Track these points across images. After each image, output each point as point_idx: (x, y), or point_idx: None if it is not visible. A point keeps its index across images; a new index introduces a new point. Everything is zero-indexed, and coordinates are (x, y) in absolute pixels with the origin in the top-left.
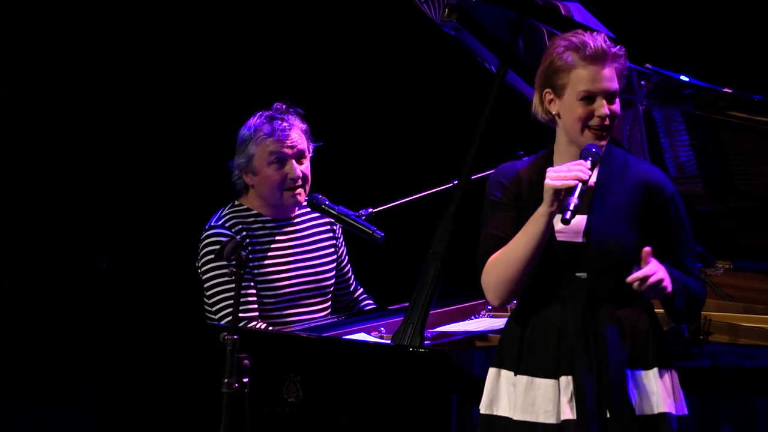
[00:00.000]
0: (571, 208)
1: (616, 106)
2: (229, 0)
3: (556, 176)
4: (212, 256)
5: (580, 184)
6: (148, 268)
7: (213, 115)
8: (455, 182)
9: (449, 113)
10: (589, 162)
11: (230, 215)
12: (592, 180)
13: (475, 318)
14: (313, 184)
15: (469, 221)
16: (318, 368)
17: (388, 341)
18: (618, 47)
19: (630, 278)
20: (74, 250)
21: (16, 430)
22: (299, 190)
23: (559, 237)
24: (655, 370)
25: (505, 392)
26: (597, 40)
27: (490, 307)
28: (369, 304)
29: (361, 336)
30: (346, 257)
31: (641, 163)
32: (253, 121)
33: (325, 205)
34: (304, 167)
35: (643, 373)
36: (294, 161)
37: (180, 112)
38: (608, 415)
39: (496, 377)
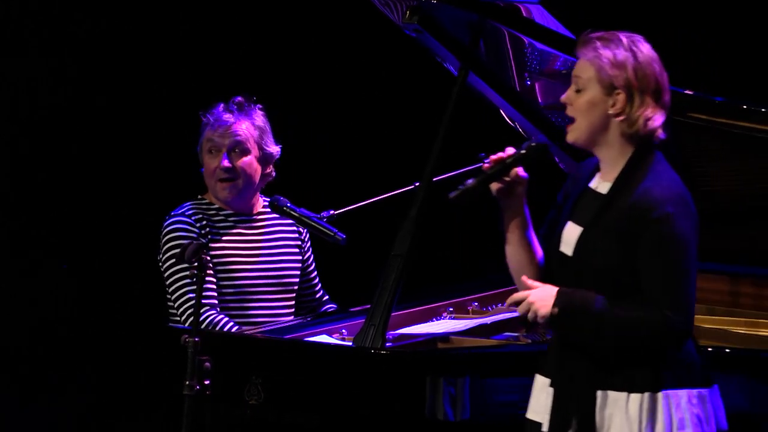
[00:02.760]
0: (459, 187)
1: (579, 99)
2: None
3: None
4: (175, 251)
5: (492, 170)
6: (110, 270)
7: (180, 114)
8: (417, 184)
9: (411, 115)
10: (513, 150)
11: (191, 206)
12: (603, 189)
13: (437, 320)
14: (275, 185)
15: (430, 223)
16: (279, 370)
17: (350, 343)
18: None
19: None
20: (34, 251)
21: None
22: (226, 184)
23: (561, 247)
24: (626, 393)
25: None
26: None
27: (451, 309)
28: (332, 308)
29: (323, 338)
30: (313, 262)
31: (656, 178)
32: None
33: (287, 207)
34: (242, 161)
35: (613, 394)
36: (227, 153)
37: (146, 110)
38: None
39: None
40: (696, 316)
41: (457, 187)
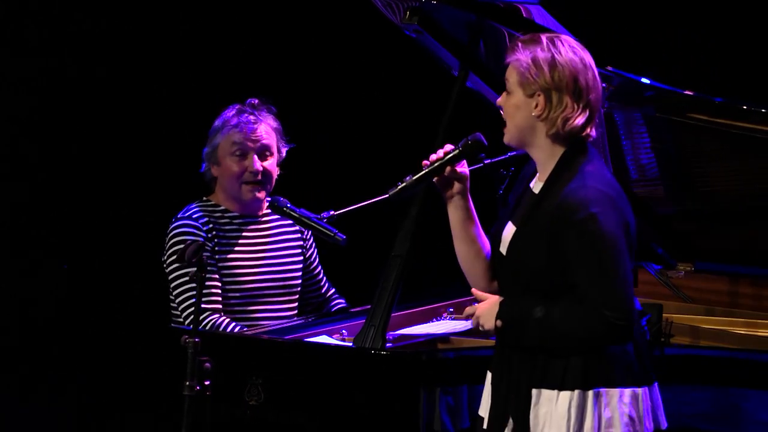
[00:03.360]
0: (398, 184)
1: (507, 102)
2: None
3: None
4: (178, 249)
5: (426, 167)
6: (110, 270)
7: (181, 114)
8: None
9: (411, 115)
10: (451, 147)
11: (198, 208)
12: (537, 189)
13: (437, 320)
14: (275, 186)
15: (430, 224)
16: (279, 371)
17: (350, 344)
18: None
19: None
20: (34, 251)
21: None
22: (258, 187)
23: (500, 247)
24: (557, 391)
25: None
26: None
27: (451, 310)
28: (341, 303)
29: (323, 338)
30: (317, 259)
31: (583, 179)
32: (225, 112)
33: (287, 207)
34: (268, 164)
35: (547, 392)
36: (256, 155)
37: (147, 111)
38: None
39: None
40: (695, 316)
41: (396, 184)
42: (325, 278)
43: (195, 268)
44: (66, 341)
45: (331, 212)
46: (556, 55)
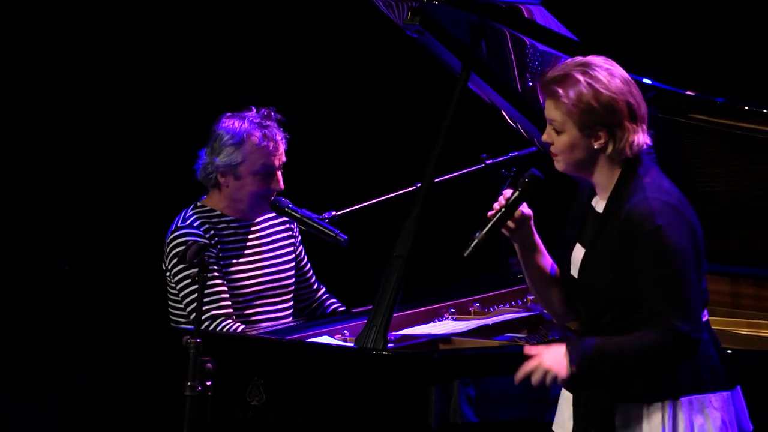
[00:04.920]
0: (469, 243)
1: (560, 140)
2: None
3: None
4: (183, 264)
5: (495, 218)
6: (111, 270)
7: (181, 115)
8: (418, 185)
9: (412, 116)
10: (510, 191)
11: (196, 215)
12: (600, 208)
13: (439, 321)
14: None
15: (432, 224)
16: (281, 371)
17: (352, 344)
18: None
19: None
20: (35, 251)
21: None
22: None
23: (572, 270)
24: (646, 403)
25: None
26: None
27: (453, 310)
28: (333, 302)
29: (325, 339)
30: (305, 255)
31: (643, 192)
32: (242, 125)
33: (289, 208)
34: (282, 176)
35: (633, 405)
36: (279, 173)
37: (147, 111)
38: None
39: None
40: None
41: (467, 243)
42: (314, 275)
43: (197, 270)
44: (66, 341)
45: (333, 213)
46: (599, 88)
